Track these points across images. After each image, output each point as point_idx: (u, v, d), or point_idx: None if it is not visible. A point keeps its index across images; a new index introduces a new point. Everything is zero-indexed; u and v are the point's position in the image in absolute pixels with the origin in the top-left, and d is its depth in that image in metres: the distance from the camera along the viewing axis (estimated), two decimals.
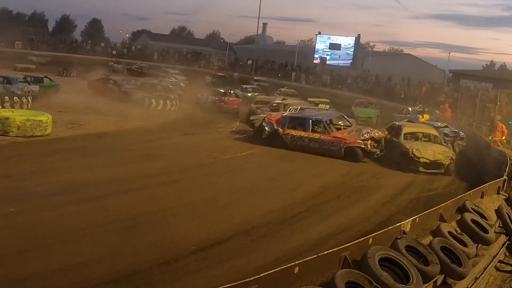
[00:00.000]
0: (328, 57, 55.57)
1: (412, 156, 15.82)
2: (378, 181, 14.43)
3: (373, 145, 17.04)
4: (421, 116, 25.02)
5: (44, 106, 20.03)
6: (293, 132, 17.94)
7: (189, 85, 35.93)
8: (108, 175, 12.40)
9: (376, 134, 17.49)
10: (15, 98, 20.18)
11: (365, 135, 17.22)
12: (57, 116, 18.45)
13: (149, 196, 11.10)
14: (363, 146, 16.84)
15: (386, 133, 17.94)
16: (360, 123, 24.39)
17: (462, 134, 19.40)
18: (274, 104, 23.54)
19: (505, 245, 10.23)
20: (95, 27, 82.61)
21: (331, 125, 18.17)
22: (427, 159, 15.78)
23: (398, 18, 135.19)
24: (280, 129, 18.15)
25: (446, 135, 18.75)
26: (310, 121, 17.96)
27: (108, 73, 33.57)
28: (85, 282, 6.80)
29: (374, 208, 11.66)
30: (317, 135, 17.54)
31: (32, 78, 26.35)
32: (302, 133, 17.80)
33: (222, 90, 29.77)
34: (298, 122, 18.37)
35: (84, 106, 22.37)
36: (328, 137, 17.36)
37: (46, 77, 27.79)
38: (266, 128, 18.42)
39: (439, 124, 20.28)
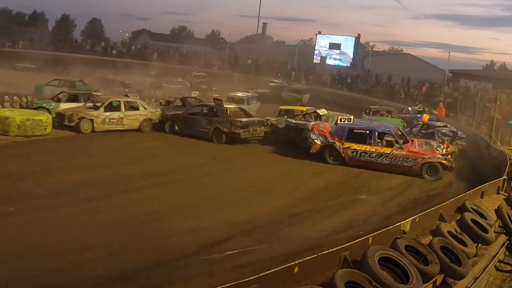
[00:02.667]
0: (328, 57, 55.56)
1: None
2: (377, 181, 14.42)
3: (450, 160, 15.43)
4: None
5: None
6: (355, 146, 15.65)
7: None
8: (108, 175, 12.40)
9: (449, 148, 16.10)
10: (14, 97, 20.17)
11: (440, 149, 15.63)
12: None
13: (149, 196, 11.10)
14: (444, 161, 15.11)
15: (453, 148, 16.56)
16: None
17: (460, 133, 19.47)
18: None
19: (505, 245, 10.24)
20: (95, 27, 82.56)
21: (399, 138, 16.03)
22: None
23: (398, 18, 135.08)
24: (336, 143, 15.93)
25: (444, 134, 18.83)
26: (376, 133, 15.80)
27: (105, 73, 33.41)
28: (84, 282, 6.80)
29: (374, 208, 11.66)
30: (387, 150, 15.37)
31: (67, 82, 25.87)
32: (368, 148, 15.55)
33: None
34: (360, 134, 16.02)
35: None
36: (402, 152, 15.26)
37: (81, 81, 26.87)
38: (316, 140, 16.06)
39: (439, 124, 20.38)
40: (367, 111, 25.25)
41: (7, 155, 13.90)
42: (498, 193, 12.89)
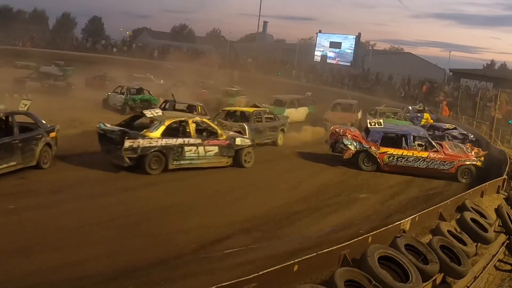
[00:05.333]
0: (328, 56, 55.59)
1: None
2: (377, 180, 14.43)
3: (483, 162, 15.26)
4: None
5: (45, 104, 19.99)
6: (392, 151, 15.28)
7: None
8: (108, 172, 12.39)
9: (476, 149, 15.88)
10: (15, 95, 20.17)
11: (471, 151, 15.54)
12: (56, 114, 18.43)
13: (149, 194, 11.11)
14: (478, 163, 15.06)
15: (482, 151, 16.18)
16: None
17: (471, 136, 19.14)
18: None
19: (504, 244, 10.25)
20: (95, 25, 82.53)
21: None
22: None
23: (398, 17, 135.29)
24: (372, 148, 15.42)
25: (454, 137, 18.55)
26: (412, 137, 15.58)
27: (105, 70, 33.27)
28: (85, 279, 6.80)
29: (373, 207, 11.67)
30: (424, 154, 15.15)
31: (135, 90, 24.78)
32: (405, 152, 15.25)
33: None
34: (394, 138, 15.86)
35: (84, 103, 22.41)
36: (440, 155, 15.09)
37: (148, 92, 25.26)
38: (350, 146, 15.45)
39: (447, 125, 20.03)
40: (372, 112, 24.28)
41: None
42: (498, 192, 12.91)
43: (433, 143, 15.46)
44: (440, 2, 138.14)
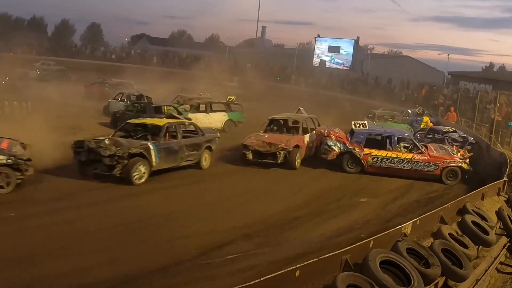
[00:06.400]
0: (327, 60, 55.69)
1: None
2: (378, 184, 14.41)
3: (468, 164, 15.25)
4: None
5: (45, 110, 20.01)
6: (376, 152, 15.20)
7: None
8: (108, 180, 12.38)
9: (462, 151, 15.88)
10: (14, 103, 20.16)
11: (456, 153, 15.49)
12: (57, 121, 18.46)
13: (150, 201, 11.10)
14: (463, 165, 15.00)
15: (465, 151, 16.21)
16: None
17: (471, 139, 19.11)
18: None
19: (506, 247, 10.26)
20: (94, 32, 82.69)
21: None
22: None
23: (397, 20, 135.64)
24: (356, 149, 15.32)
25: (454, 140, 18.52)
26: (396, 138, 15.43)
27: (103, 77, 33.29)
28: (86, 287, 6.80)
29: (374, 211, 11.65)
30: (408, 155, 15.02)
31: (135, 97, 24.31)
32: (389, 153, 15.12)
33: None
34: (378, 139, 15.79)
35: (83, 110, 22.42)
36: (424, 157, 15.01)
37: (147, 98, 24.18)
38: (333, 147, 15.36)
39: (447, 128, 19.99)
40: (370, 116, 24.36)
41: None
42: (498, 195, 12.90)
43: (418, 145, 15.38)
44: (439, 5, 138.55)
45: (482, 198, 11.78)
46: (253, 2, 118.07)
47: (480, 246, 9.29)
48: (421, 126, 24.11)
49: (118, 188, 11.84)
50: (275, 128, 16.81)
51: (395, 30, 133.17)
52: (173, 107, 20.85)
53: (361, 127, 15.97)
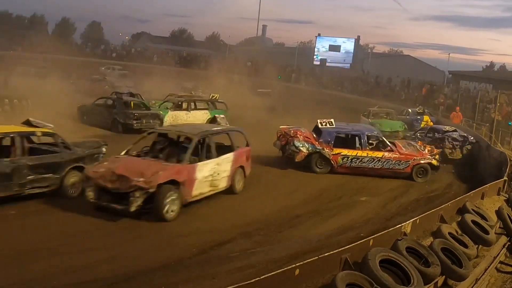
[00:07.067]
0: (327, 59, 55.70)
1: None
2: (378, 182, 14.41)
3: (438, 160, 15.27)
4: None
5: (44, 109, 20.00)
6: (345, 152, 14.75)
7: None
8: None
9: (429, 147, 15.79)
10: (15, 101, 20.18)
11: (424, 149, 15.40)
12: (60, 121, 18.44)
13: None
14: (433, 162, 14.96)
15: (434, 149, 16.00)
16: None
17: (471, 138, 19.11)
18: None
19: (505, 246, 10.26)
20: (94, 30, 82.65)
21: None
22: None
23: (398, 19, 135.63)
24: (325, 149, 14.83)
25: (454, 139, 18.52)
26: (365, 136, 15.11)
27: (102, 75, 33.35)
28: (86, 284, 6.81)
29: (374, 210, 11.66)
30: (379, 154, 14.76)
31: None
32: (360, 153, 14.78)
33: None
34: (347, 138, 15.39)
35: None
36: (395, 155, 14.76)
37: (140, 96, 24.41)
38: (301, 148, 14.76)
39: (447, 128, 20.01)
40: (365, 113, 25.09)
41: None
42: (498, 194, 12.89)
43: (387, 143, 15.11)
44: (439, 4, 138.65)
45: (482, 198, 11.78)
46: (254, 1, 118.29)
47: (480, 246, 9.29)
48: (422, 125, 24.12)
49: None
50: (160, 147, 11.50)
51: (395, 29, 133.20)
52: (141, 102, 21.40)
53: (328, 125, 15.43)
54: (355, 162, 14.76)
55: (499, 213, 10.89)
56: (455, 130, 19.46)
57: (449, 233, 8.60)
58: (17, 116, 18.26)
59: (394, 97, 37.17)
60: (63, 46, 45.03)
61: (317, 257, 6.24)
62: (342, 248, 6.68)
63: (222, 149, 11.79)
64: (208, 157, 11.02)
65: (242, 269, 7.57)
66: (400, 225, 8.15)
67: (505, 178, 13.45)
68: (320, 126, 15.41)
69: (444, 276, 7.51)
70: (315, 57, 57.11)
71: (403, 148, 15.20)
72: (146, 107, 20.84)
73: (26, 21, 76.24)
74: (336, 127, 15.44)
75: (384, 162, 14.74)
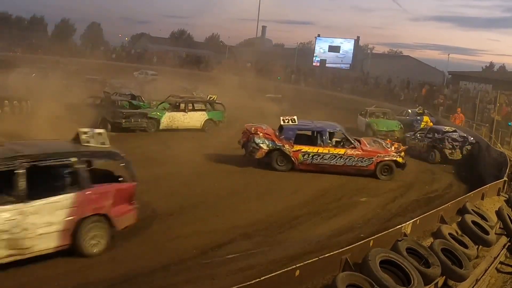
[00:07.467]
0: (327, 60, 55.68)
1: None
2: (378, 183, 14.40)
3: (404, 157, 15.10)
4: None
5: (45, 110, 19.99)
6: (306, 149, 14.58)
7: None
8: None
9: (396, 145, 15.63)
10: (14, 102, 20.19)
11: (390, 146, 15.21)
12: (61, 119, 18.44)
13: (149, 201, 11.08)
14: (398, 159, 14.80)
15: (400, 145, 15.92)
16: (381, 138, 22.87)
17: (471, 139, 19.10)
18: None
19: (506, 247, 10.26)
20: (94, 31, 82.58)
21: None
22: None
23: (397, 20, 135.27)
24: (286, 146, 14.69)
25: (454, 140, 18.51)
26: (327, 133, 14.88)
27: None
28: (86, 285, 6.81)
29: (374, 211, 11.66)
30: (341, 150, 14.58)
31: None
32: (321, 149, 14.57)
33: None
34: (309, 135, 15.26)
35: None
36: (357, 152, 14.62)
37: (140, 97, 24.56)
38: (261, 145, 14.56)
39: (447, 128, 20.02)
40: (363, 113, 25.21)
41: None
42: (498, 194, 12.90)
43: (350, 139, 14.90)
44: (439, 4, 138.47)
45: (482, 198, 11.78)
46: (253, 2, 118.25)
47: (480, 246, 9.29)
48: (421, 126, 24.10)
49: None
50: None
51: (395, 30, 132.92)
52: (128, 101, 21.79)
53: (290, 122, 15.14)
54: (316, 159, 14.59)
55: (499, 213, 10.89)
56: (455, 131, 19.44)
57: (449, 234, 8.60)
58: (17, 117, 18.37)
59: (394, 97, 37.13)
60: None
61: (317, 258, 6.25)
62: (342, 249, 6.69)
63: (58, 186, 7.63)
64: (9, 200, 7.05)
65: (242, 270, 7.58)
66: (400, 225, 8.15)
67: (505, 178, 13.45)
68: (282, 123, 15.26)
69: (444, 277, 7.51)
70: (314, 58, 57.09)
71: (367, 145, 15.03)
72: (135, 106, 21.28)
73: (25, 23, 76.21)
74: (298, 124, 15.23)
75: (346, 159, 14.57)
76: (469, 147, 18.44)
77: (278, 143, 14.62)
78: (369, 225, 10.33)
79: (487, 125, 23.13)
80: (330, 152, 14.55)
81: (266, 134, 14.77)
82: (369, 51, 65.07)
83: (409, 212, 11.40)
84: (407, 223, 8.31)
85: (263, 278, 5.36)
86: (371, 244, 7.03)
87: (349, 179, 14.58)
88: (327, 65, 54.81)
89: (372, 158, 14.61)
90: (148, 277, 7.17)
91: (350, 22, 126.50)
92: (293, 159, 14.58)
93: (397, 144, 15.77)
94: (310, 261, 6.12)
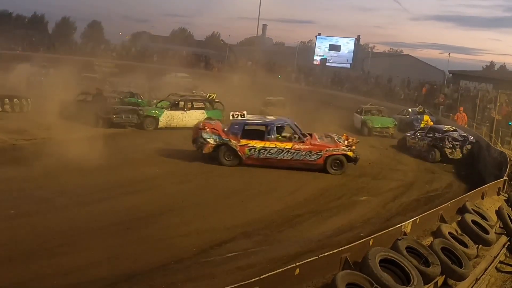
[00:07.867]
0: (327, 59, 55.62)
1: None
2: (378, 182, 14.41)
3: (355, 151, 15.00)
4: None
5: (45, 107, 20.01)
6: (253, 143, 14.58)
7: None
8: (108, 178, 12.40)
9: (350, 139, 15.49)
10: (15, 100, 20.22)
11: (342, 141, 15.13)
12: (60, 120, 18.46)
13: (150, 199, 11.10)
14: (349, 153, 14.75)
15: (355, 139, 15.89)
16: (375, 134, 22.99)
17: (471, 138, 19.09)
18: None
19: (505, 246, 10.25)
20: (95, 29, 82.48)
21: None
22: None
23: (398, 19, 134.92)
24: (232, 141, 14.75)
25: (454, 139, 18.49)
26: (274, 127, 14.92)
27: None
28: (86, 284, 6.81)
29: (374, 210, 11.66)
30: (288, 144, 14.58)
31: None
32: (267, 144, 14.57)
33: None
34: (256, 129, 15.14)
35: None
36: (305, 146, 14.56)
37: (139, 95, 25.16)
38: (209, 140, 14.65)
39: (447, 127, 19.99)
40: (358, 110, 25.64)
41: (8, 157, 13.87)
42: (498, 194, 12.89)
43: (299, 133, 14.84)
44: (440, 4, 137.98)
45: (482, 197, 11.77)
46: (254, 0, 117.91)
47: (480, 245, 9.28)
48: (422, 125, 24.08)
49: (117, 186, 11.88)
50: None
51: (396, 29, 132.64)
52: (121, 98, 22.57)
53: (240, 117, 15.22)
54: (263, 154, 14.60)
55: (499, 213, 10.87)
56: (455, 130, 19.43)
57: (449, 233, 8.59)
58: (17, 115, 18.39)
59: (394, 96, 37.10)
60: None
61: (317, 257, 6.24)
62: (342, 248, 6.68)
63: None
64: None
65: (242, 268, 7.58)
66: (400, 224, 8.14)
67: (505, 178, 13.44)
68: (231, 118, 15.39)
69: (444, 276, 7.50)
70: (315, 56, 57.03)
71: (318, 139, 15.01)
72: (126, 103, 22.02)
73: (26, 21, 76.15)
74: (246, 119, 15.30)
75: (294, 153, 14.54)
76: (469, 146, 18.40)
77: (225, 138, 14.68)
78: (369, 224, 10.33)
79: (488, 124, 23.11)
80: (277, 146, 14.56)
81: (214, 129, 14.89)
82: (369, 50, 64.89)
83: (409, 211, 11.40)
84: (407, 222, 8.30)
85: (263, 276, 5.35)
86: (371, 243, 7.02)
87: (349, 179, 14.59)
88: (327, 64, 54.75)
89: (321, 152, 14.58)
90: (147, 275, 7.18)
91: (350, 21, 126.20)
92: (239, 153, 14.63)
93: (352, 139, 15.66)
94: (310, 259, 6.11)
